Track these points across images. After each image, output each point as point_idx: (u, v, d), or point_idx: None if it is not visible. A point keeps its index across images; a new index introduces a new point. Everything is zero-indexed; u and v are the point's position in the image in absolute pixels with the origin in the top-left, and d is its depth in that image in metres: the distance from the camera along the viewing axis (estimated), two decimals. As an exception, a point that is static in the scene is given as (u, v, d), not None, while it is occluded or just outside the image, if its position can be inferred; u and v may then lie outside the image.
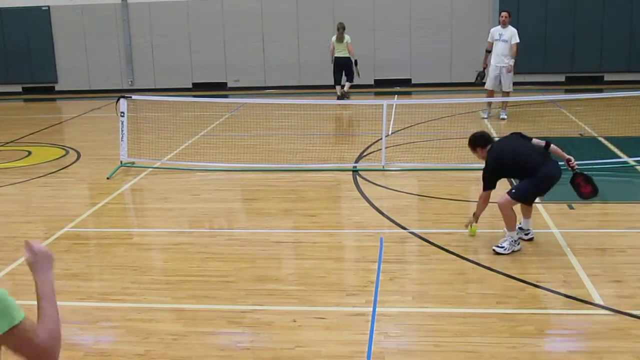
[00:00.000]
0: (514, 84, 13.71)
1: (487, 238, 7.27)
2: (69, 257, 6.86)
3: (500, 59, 13.30)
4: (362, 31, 18.48)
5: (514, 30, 13.35)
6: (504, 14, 13.47)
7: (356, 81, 17.86)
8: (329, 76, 17.38)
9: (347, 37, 16.58)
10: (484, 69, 13.70)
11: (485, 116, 13.60)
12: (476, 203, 6.88)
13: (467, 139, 7.00)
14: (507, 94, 13.41)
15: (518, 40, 13.30)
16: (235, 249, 7.05)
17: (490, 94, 13.59)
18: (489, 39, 13.59)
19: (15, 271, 6.52)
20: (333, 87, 18.01)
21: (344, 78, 16.84)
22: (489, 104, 13.74)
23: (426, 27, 18.56)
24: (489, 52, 13.56)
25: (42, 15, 19.75)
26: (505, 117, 13.49)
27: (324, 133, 13.18)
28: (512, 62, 13.29)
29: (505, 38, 13.29)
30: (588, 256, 6.44)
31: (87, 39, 19.74)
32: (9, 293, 2.14)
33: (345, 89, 16.83)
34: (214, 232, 7.69)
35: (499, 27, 13.44)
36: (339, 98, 16.46)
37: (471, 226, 6.92)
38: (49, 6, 19.73)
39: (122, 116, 10.31)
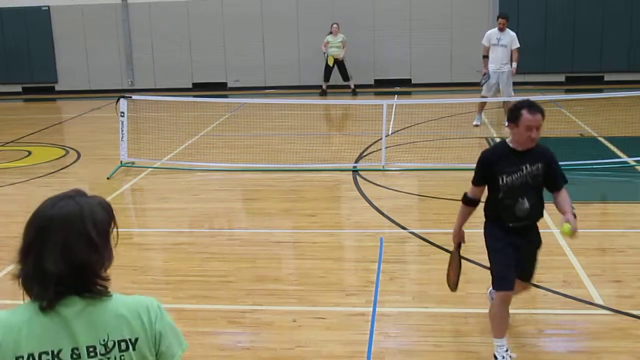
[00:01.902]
0: (513, 84, 13.43)
1: (487, 238, 7.28)
2: (69, 257, 6.84)
3: (499, 65, 12.61)
4: (362, 31, 18.50)
5: (514, 34, 12.68)
6: (502, 20, 12.65)
7: (356, 81, 17.95)
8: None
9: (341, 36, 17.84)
10: (485, 74, 12.78)
11: (478, 123, 12.98)
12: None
13: (539, 109, 4.40)
14: (509, 102, 12.85)
15: (518, 45, 12.67)
16: (235, 249, 7.05)
17: (483, 105, 12.98)
18: (485, 43, 12.79)
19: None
20: (333, 87, 18.15)
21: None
22: (480, 110, 13.07)
23: (426, 27, 18.56)
24: (486, 57, 12.78)
25: (42, 15, 19.75)
26: None
27: (324, 133, 13.18)
28: (514, 64, 12.65)
29: (504, 43, 12.61)
30: (588, 256, 6.44)
31: (87, 39, 19.74)
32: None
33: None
34: (214, 232, 7.69)
35: (496, 30, 12.72)
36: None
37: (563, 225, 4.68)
38: (49, 6, 19.73)
39: (122, 116, 10.31)
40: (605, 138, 11.45)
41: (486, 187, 4.61)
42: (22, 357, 1.88)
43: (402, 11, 18.61)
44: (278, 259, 6.81)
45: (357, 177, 9.57)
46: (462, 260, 6.46)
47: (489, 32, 12.91)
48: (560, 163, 4.42)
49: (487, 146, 11.38)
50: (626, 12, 17.70)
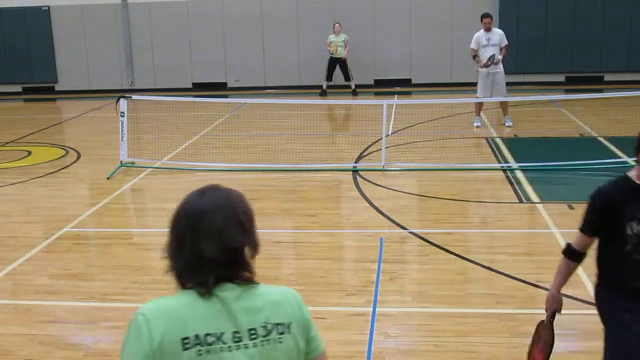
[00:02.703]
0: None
1: (488, 238, 7.28)
2: (69, 257, 6.86)
3: (493, 65, 12.49)
4: (362, 31, 18.49)
5: (501, 32, 12.69)
6: (487, 20, 12.61)
7: (356, 81, 17.96)
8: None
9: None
10: (485, 65, 12.56)
11: (479, 124, 12.89)
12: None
13: None
14: (504, 102, 12.75)
15: (507, 42, 12.66)
16: (235, 249, 7.03)
17: (480, 106, 12.90)
18: (474, 46, 12.75)
19: (15, 271, 6.52)
20: (333, 87, 18.18)
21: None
22: (478, 111, 12.97)
23: (426, 27, 18.56)
24: (476, 56, 12.75)
25: (42, 15, 19.75)
26: (511, 124, 12.72)
27: (324, 133, 13.19)
28: (500, 56, 12.53)
29: (494, 42, 12.54)
30: (588, 256, 6.41)
31: (87, 39, 19.74)
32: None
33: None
34: (214, 232, 7.67)
35: (483, 31, 12.67)
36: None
37: None
38: (49, 6, 19.72)
39: (122, 116, 10.31)
40: (605, 138, 11.45)
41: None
42: (188, 337, 1.91)
43: (402, 11, 18.61)
44: (278, 259, 6.81)
45: (357, 177, 9.57)
46: (463, 261, 6.51)
47: (477, 34, 12.80)
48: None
49: (487, 146, 11.41)
50: (626, 12, 17.69)
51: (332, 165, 10.18)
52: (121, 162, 10.38)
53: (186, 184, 9.63)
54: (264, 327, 1.97)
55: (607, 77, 17.98)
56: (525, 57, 17.49)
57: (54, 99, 19.78)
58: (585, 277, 5.93)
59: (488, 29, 12.69)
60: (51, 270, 6.55)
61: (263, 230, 7.04)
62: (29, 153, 12.04)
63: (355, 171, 9.86)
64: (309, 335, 2.07)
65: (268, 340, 1.97)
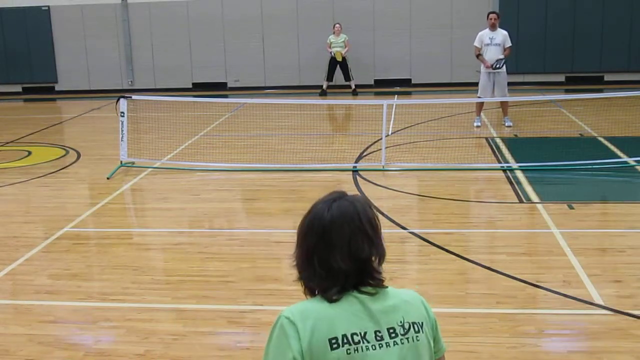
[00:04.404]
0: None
1: (488, 238, 7.28)
2: (69, 257, 6.85)
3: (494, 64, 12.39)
4: (362, 31, 18.50)
5: (506, 33, 12.53)
6: (493, 16, 12.52)
7: (356, 81, 17.96)
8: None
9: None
10: (493, 65, 12.38)
11: (479, 124, 12.78)
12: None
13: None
14: (504, 102, 12.68)
15: (511, 44, 12.55)
16: (235, 249, 7.04)
17: (481, 106, 12.82)
18: (477, 44, 12.59)
19: (15, 271, 6.52)
20: (333, 87, 18.18)
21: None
22: (479, 111, 12.86)
23: (426, 27, 18.56)
24: (480, 55, 12.56)
25: (42, 15, 19.75)
26: (511, 124, 12.65)
27: (324, 133, 13.19)
28: (502, 56, 12.40)
29: (497, 42, 12.41)
30: (588, 256, 6.44)
31: (87, 39, 19.74)
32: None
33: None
34: (214, 232, 7.69)
35: (488, 30, 12.55)
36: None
37: None
38: (49, 6, 19.73)
39: (122, 116, 10.30)
40: (605, 138, 11.45)
41: None
42: (336, 338, 1.97)
43: (402, 11, 18.61)
44: (278, 259, 6.80)
45: (357, 177, 9.57)
46: (463, 261, 6.51)
47: (481, 33, 12.68)
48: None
49: (487, 146, 11.41)
50: (626, 12, 17.70)
51: (332, 165, 10.18)
52: (121, 162, 10.38)
53: (186, 184, 9.64)
54: (401, 326, 2.04)
55: (607, 77, 17.98)
56: (525, 57, 17.50)
57: (54, 99, 19.77)
58: (586, 277, 5.94)
59: (492, 27, 12.52)
60: (51, 270, 6.55)
61: (263, 230, 7.04)
62: (29, 153, 12.04)
63: (355, 171, 9.85)
64: (437, 336, 2.15)
65: (407, 338, 2.03)
